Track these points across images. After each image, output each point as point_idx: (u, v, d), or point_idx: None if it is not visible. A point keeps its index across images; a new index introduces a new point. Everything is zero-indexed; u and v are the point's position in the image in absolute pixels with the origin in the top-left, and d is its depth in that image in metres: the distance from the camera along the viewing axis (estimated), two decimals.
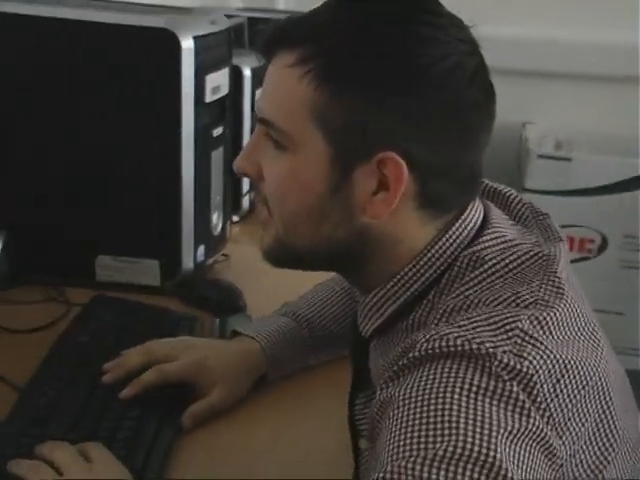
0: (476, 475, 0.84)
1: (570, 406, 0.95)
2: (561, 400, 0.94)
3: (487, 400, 0.88)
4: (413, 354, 0.95)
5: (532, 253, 1.06)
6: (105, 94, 1.69)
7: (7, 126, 1.71)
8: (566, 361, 0.96)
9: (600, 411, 1.01)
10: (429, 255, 1.07)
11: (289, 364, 1.49)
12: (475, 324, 0.95)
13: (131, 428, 1.26)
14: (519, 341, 0.93)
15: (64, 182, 1.75)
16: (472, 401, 0.88)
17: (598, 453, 1.01)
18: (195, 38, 1.65)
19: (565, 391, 0.94)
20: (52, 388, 1.34)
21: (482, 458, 0.84)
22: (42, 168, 1.74)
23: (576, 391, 0.97)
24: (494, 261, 1.05)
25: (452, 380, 0.90)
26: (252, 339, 1.45)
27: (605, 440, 1.02)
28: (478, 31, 1.05)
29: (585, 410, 0.99)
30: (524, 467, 0.88)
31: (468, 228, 1.09)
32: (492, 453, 0.85)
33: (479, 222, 1.10)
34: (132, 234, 1.77)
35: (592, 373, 1.00)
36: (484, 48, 1.06)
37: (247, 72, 2.26)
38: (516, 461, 0.87)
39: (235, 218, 2.31)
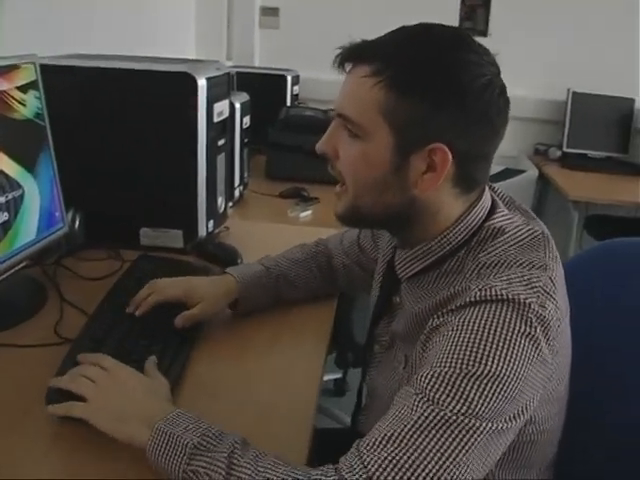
0: (497, 392, 0.89)
1: (562, 340, 1.01)
2: (559, 336, 0.98)
3: (518, 338, 0.91)
4: (469, 299, 0.96)
5: (537, 231, 1.07)
6: (145, 117, 1.69)
7: (80, 142, 1.70)
8: (563, 309, 1.01)
9: (568, 345, 1.09)
10: (463, 223, 1.07)
11: (254, 299, 1.44)
12: (511, 281, 0.96)
13: (160, 344, 1.25)
14: (541, 295, 0.95)
15: (120, 179, 1.74)
16: (508, 338, 0.91)
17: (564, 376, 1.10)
18: (207, 79, 1.66)
19: (561, 330, 0.99)
20: (108, 317, 1.34)
21: (504, 381, 0.89)
22: (105, 170, 1.74)
23: (566, 329, 1.05)
24: (511, 233, 1.05)
25: (496, 320, 0.92)
26: (232, 276, 1.43)
27: (568, 367, 1.11)
28: None
29: (566, 345, 1.06)
30: (530, 384, 0.93)
31: (485, 206, 1.09)
32: (511, 379, 0.90)
33: (490, 202, 1.10)
34: (164, 213, 1.77)
35: (568, 320, 1.06)
36: None
37: (237, 105, 2.27)
38: (527, 384, 0.92)
39: (230, 204, 2.30)
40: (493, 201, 1.12)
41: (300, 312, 1.52)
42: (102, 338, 1.25)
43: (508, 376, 0.89)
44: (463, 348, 0.91)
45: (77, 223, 1.69)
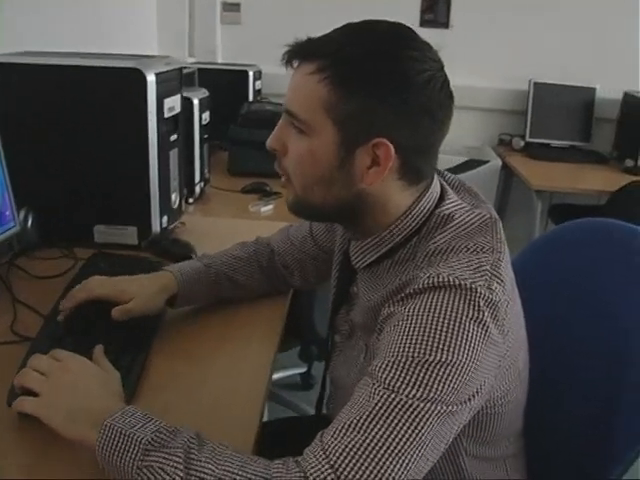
0: (450, 377, 0.91)
1: (512, 319, 1.03)
2: (509, 316, 1.00)
3: (467, 323, 0.93)
4: (417, 286, 0.98)
5: (485, 216, 1.08)
6: (95, 114, 1.67)
7: (31, 140, 1.69)
8: (510, 289, 1.03)
9: (520, 321, 1.12)
10: (412, 213, 1.08)
11: (193, 295, 1.43)
12: (458, 266, 0.98)
13: (117, 343, 1.24)
14: (488, 278, 0.97)
15: (72, 177, 1.72)
16: (457, 324, 0.92)
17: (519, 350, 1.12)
18: (156, 74, 1.65)
19: (511, 311, 1.01)
20: (65, 316, 1.32)
21: (457, 367, 0.91)
22: (57, 168, 1.72)
23: (516, 307, 1.08)
24: (460, 219, 1.07)
25: (444, 307, 0.94)
26: (170, 272, 1.41)
27: (523, 342, 1.14)
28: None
29: (517, 322, 1.09)
30: (483, 366, 0.95)
31: (434, 194, 1.11)
32: (463, 365, 0.92)
33: (439, 190, 1.12)
34: (118, 209, 1.76)
35: (517, 297, 1.10)
36: None
37: (196, 101, 2.27)
38: (479, 367, 0.94)
39: (190, 200, 2.31)
40: (442, 188, 1.13)
41: (252, 306, 1.51)
42: (61, 336, 1.24)
43: (460, 361, 0.91)
44: (414, 337, 0.93)
45: (30, 222, 1.67)
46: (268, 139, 1.11)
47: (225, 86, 3.04)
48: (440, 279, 0.96)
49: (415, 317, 0.95)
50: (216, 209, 2.38)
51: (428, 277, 0.97)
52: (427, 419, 0.89)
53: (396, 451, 0.87)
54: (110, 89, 1.65)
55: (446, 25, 3.77)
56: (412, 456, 0.88)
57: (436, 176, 1.14)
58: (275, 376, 2.97)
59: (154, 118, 1.66)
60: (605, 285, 1.33)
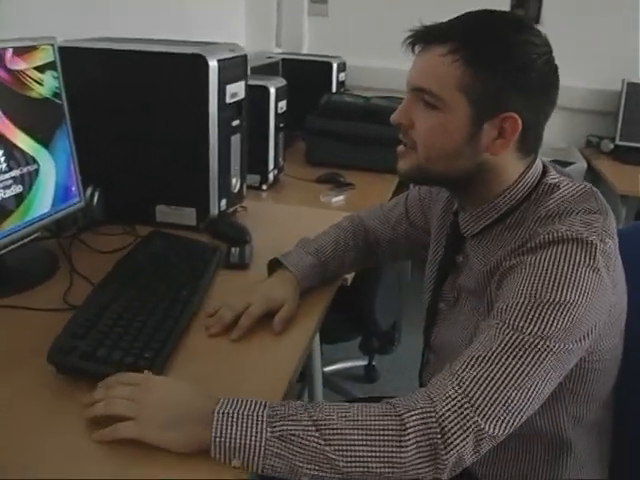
0: (568, 316, 1.03)
1: (619, 276, 1.16)
2: (618, 269, 1.14)
3: (583, 269, 1.05)
4: (537, 241, 1.10)
5: (587, 186, 1.20)
6: (159, 98, 1.74)
7: (99, 122, 1.76)
8: (618, 245, 1.14)
9: (624, 284, 1.21)
10: (524, 180, 1.20)
11: (307, 286, 1.49)
12: (573, 224, 1.09)
13: (159, 315, 1.28)
14: (600, 233, 1.09)
15: (136, 158, 1.80)
16: (575, 270, 1.05)
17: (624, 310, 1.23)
18: (219, 60, 1.70)
19: (619, 264, 1.15)
20: (114, 286, 1.38)
21: (573, 306, 1.03)
22: (122, 150, 1.80)
23: (621, 270, 1.18)
24: (565, 188, 1.18)
25: (563, 256, 1.06)
26: (290, 272, 1.47)
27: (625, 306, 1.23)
28: None
29: (622, 282, 1.19)
30: (595, 309, 1.07)
31: (539, 167, 1.22)
32: (578, 305, 1.04)
33: (542, 165, 1.23)
34: (179, 191, 1.82)
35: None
36: None
37: (272, 90, 2.33)
38: (592, 309, 1.06)
39: (264, 187, 2.39)
40: (544, 164, 1.25)
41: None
42: (106, 305, 1.29)
43: (576, 302, 1.03)
44: (536, 281, 1.05)
45: (96, 199, 1.74)
46: (394, 114, 1.21)
47: (309, 77, 3.10)
48: (559, 234, 1.07)
49: (536, 266, 1.07)
50: (288, 197, 2.43)
51: (548, 233, 1.09)
52: (547, 354, 1.01)
53: (521, 383, 1.00)
54: (174, 74, 1.70)
55: (537, 21, 3.68)
56: (534, 388, 1.01)
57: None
58: (338, 366, 3.02)
59: (215, 103, 1.71)
60: None
